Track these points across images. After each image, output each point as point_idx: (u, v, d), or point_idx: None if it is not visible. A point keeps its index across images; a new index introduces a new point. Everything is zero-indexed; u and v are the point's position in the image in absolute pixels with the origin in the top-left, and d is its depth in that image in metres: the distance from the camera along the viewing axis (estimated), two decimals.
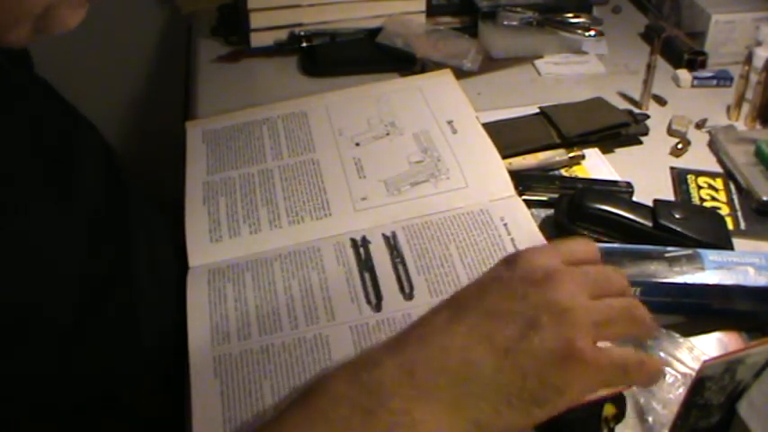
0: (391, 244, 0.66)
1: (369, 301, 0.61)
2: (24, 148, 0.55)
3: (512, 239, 0.64)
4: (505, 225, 0.66)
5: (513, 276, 0.45)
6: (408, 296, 0.61)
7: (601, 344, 0.43)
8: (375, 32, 1.06)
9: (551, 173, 0.82)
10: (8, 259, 0.49)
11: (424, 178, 0.72)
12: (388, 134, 0.78)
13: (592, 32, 1.06)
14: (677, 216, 0.69)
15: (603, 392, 0.48)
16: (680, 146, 0.88)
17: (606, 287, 0.45)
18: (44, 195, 0.55)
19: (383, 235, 0.67)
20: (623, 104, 0.95)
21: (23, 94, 0.62)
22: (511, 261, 0.46)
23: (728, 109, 0.94)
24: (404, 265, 0.64)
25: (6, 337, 0.48)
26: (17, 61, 0.64)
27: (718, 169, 0.85)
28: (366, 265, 0.64)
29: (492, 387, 0.41)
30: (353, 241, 0.66)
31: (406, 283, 0.62)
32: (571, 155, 0.83)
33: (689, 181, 0.82)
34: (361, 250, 0.65)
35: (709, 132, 0.90)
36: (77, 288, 0.54)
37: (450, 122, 0.78)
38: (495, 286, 0.45)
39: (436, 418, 0.41)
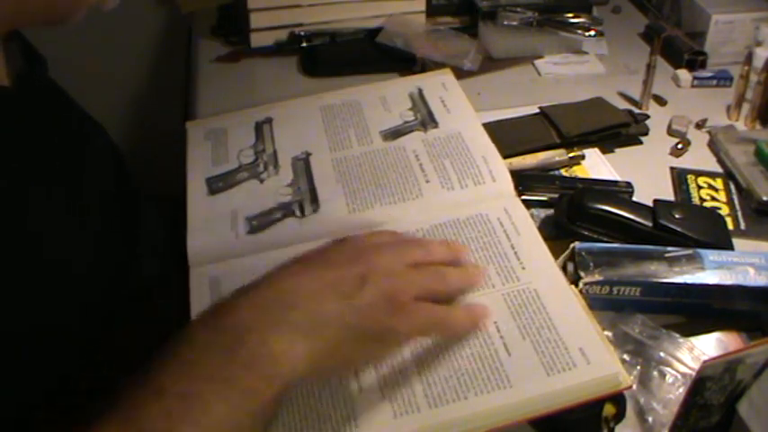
0: None
1: None
2: (37, 149, 0.56)
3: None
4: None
5: (346, 246, 0.55)
6: None
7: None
8: (375, 32, 1.06)
9: (551, 173, 0.82)
10: (20, 258, 0.49)
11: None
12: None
13: (592, 32, 1.06)
14: (677, 216, 0.69)
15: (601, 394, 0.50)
16: (680, 146, 0.88)
17: (426, 260, 0.55)
18: (55, 195, 0.55)
19: None
20: (623, 104, 0.95)
21: (38, 99, 0.62)
22: (342, 239, 0.56)
23: (728, 109, 0.94)
24: None
25: (17, 336, 0.48)
26: (33, 63, 0.64)
27: (718, 169, 0.85)
28: None
29: (337, 323, 0.48)
30: None
31: None
32: (571, 155, 0.83)
33: (689, 181, 0.82)
34: None
35: (709, 132, 0.90)
36: (87, 287, 0.54)
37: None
38: (336, 249, 0.54)
39: (292, 346, 0.46)
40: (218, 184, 0.74)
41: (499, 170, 0.71)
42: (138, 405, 0.43)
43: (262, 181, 0.74)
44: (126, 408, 0.43)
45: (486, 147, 0.74)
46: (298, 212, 0.70)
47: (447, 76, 0.86)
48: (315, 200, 0.71)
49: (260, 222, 0.69)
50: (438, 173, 0.72)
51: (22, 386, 0.49)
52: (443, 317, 0.54)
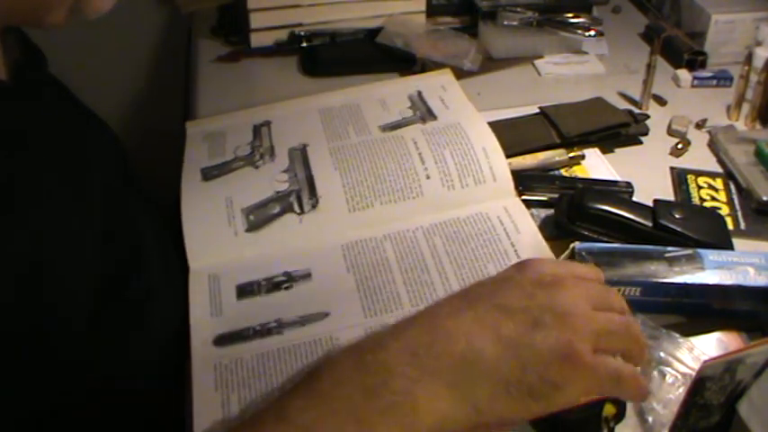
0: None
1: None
2: (38, 144, 0.56)
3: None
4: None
5: (524, 278, 0.47)
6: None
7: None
8: (375, 32, 1.06)
9: (551, 173, 0.82)
10: (25, 259, 0.49)
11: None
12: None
13: (592, 32, 1.06)
14: (677, 216, 0.69)
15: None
16: (680, 146, 0.88)
17: (607, 303, 0.48)
18: (59, 195, 0.55)
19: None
20: (623, 104, 0.95)
21: (38, 93, 0.62)
22: (522, 265, 0.49)
23: (728, 109, 0.94)
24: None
25: (21, 335, 0.48)
26: (32, 61, 0.64)
27: (718, 169, 0.85)
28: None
29: (492, 375, 0.43)
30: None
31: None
32: (571, 155, 0.83)
33: (689, 181, 0.82)
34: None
35: (709, 132, 0.90)
36: (91, 287, 0.54)
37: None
38: (507, 285, 0.47)
39: (437, 399, 0.42)
40: (212, 173, 0.73)
41: (500, 166, 0.71)
42: (260, 427, 0.42)
43: (257, 167, 0.73)
44: (248, 427, 0.42)
45: (485, 136, 0.73)
46: (297, 208, 0.69)
47: (447, 76, 0.86)
48: (313, 191, 0.70)
49: (257, 218, 0.69)
50: (438, 166, 0.71)
51: (22, 387, 0.49)
52: (627, 375, 0.45)
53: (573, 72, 1.03)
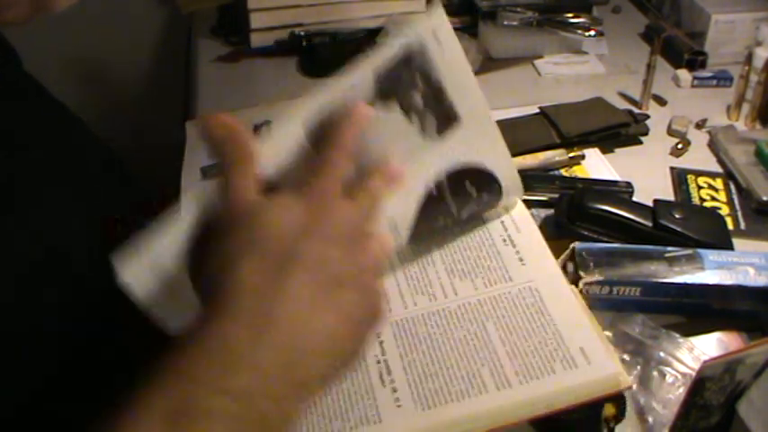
0: None
1: None
2: (34, 147, 0.55)
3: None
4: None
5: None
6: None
7: None
8: (375, 32, 1.06)
9: (551, 173, 0.82)
10: (25, 259, 0.49)
11: None
12: None
13: (592, 32, 1.06)
14: (677, 216, 0.69)
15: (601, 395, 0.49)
16: (680, 146, 0.88)
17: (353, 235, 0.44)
18: (59, 195, 0.55)
19: None
20: (623, 104, 0.95)
21: (22, 93, 0.62)
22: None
23: (728, 109, 0.94)
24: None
25: (21, 335, 0.48)
26: (7, 59, 0.64)
27: (718, 169, 0.85)
28: None
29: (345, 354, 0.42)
30: None
31: None
32: (571, 155, 0.83)
33: (689, 181, 0.82)
34: None
35: (709, 132, 0.90)
36: (89, 290, 0.54)
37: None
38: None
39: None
40: (212, 171, 0.73)
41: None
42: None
43: None
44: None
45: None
46: None
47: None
48: None
49: None
50: None
51: (21, 385, 0.49)
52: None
53: (573, 72, 1.03)
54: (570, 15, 1.07)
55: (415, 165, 0.56)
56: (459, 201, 0.59)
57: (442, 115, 0.55)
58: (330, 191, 0.44)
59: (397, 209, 0.56)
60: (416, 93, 0.54)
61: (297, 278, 0.40)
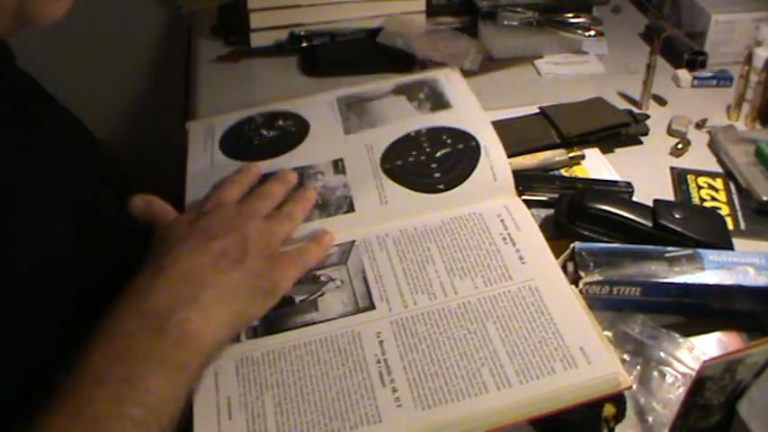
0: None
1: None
2: (13, 145, 0.55)
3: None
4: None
5: (219, 214, 0.62)
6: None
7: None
8: (375, 32, 1.06)
9: (551, 173, 0.82)
10: (20, 261, 0.49)
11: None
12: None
13: (592, 32, 1.06)
14: (677, 216, 0.69)
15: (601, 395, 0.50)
16: (680, 146, 0.88)
17: (274, 205, 0.65)
18: (36, 193, 0.55)
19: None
20: (623, 104, 0.95)
21: (19, 92, 0.61)
22: (212, 208, 0.63)
23: (728, 109, 0.94)
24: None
25: (16, 337, 0.48)
26: (3, 60, 0.64)
27: (718, 169, 0.85)
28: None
29: (242, 289, 0.56)
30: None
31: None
32: (571, 155, 0.83)
33: (689, 181, 0.82)
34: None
35: (709, 132, 0.90)
36: (70, 289, 0.54)
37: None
38: (210, 220, 0.61)
39: (211, 319, 0.53)
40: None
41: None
42: (83, 395, 0.46)
43: None
44: (71, 399, 0.46)
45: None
46: None
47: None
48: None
49: None
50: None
51: (21, 385, 0.49)
52: (305, 257, 0.62)
53: (573, 72, 1.03)
54: (570, 15, 1.07)
55: (401, 121, 0.76)
56: (434, 144, 0.73)
57: (437, 104, 0.76)
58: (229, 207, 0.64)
59: (375, 139, 0.74)
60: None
61: (183, 245, 0.57)
